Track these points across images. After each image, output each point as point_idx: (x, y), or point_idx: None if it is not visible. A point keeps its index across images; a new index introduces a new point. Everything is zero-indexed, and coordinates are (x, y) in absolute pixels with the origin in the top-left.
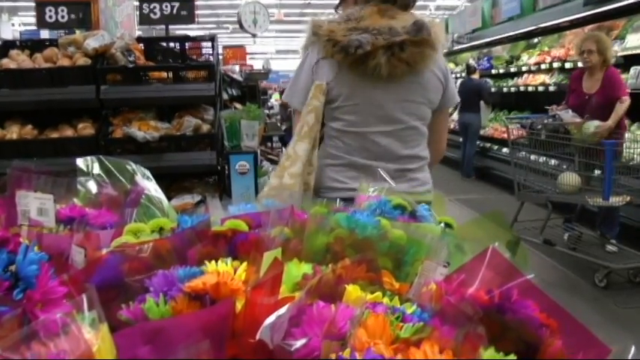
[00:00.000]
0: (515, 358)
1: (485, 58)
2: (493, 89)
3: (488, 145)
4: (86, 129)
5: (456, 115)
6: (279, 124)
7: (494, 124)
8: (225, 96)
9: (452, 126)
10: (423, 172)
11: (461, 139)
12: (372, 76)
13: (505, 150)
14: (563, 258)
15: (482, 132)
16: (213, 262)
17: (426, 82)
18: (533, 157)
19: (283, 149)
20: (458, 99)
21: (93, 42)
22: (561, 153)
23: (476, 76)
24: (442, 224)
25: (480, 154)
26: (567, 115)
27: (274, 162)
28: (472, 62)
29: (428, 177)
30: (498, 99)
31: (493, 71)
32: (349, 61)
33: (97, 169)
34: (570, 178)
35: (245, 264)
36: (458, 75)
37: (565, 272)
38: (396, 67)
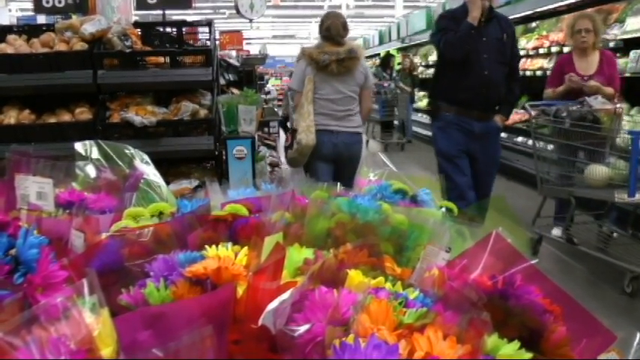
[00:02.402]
0: (518, 344)
1: None
2: None
3: None
4: (83, 114)
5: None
6: (276, 109)
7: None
8: (222, 81)
9: None
10: (356, 117)
11: None
12: (330, 73)
13: (519, 139)
14: (587, 259)
15: None
16: (213, 246)
17: (356, 75)
18: (550, 146)
19: (282, 134)
20: (373, 81)
21: (90, 27)
22: (587, 143)
23: None
24: (443, 209)
25: None
26: (597, 102)
27: (272, 147)
28: None
29: (360, 121)
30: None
31: None
32: (320, 68)
33: (95, 153)
34: (598, 172)
35: (246, 249)
36: None
37: (587, 275)
38: (341, 69)
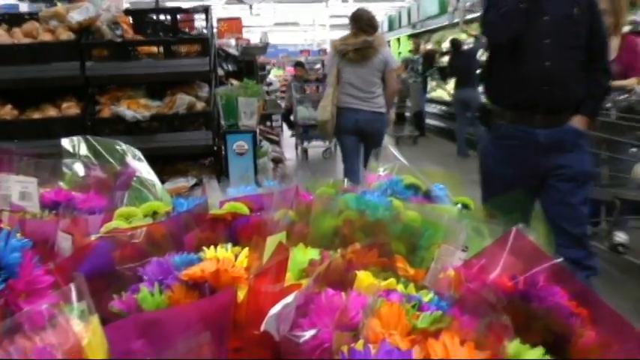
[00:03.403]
0: (543, 350)
1: None
2: None
3: None
4: (71, 108)
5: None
6: (279, 102)
7: None
8: (220, 72)
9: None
10: (378, 98)
11: (457, 118)
12: (350, 60)
13: None
14: (634, 270)
15: None
16: (212, 247)
17: (374, 62)
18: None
19: (284, 127)
20: (396, 64)
21: (77, 15)
22: (636, 138)
23: (466, 47)
24: (459, 205)
25: None
26: None
27: (274, 142)
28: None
29: (382, 101)
30: None
31: None
32: (341, 56)
33: (84, 149)
34: None
35: (247, 250)
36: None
37: (634, 287)
38: (358, 57)
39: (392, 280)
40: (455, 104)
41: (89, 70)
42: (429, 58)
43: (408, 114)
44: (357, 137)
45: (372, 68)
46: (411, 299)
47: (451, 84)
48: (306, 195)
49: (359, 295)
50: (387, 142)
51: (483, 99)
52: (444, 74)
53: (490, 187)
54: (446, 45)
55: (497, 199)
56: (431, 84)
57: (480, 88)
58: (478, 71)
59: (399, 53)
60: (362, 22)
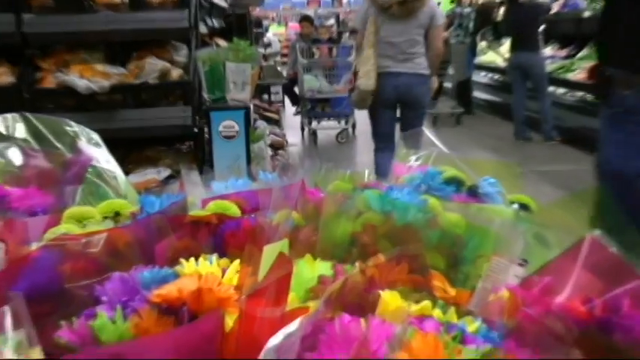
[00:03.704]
0: None
1: None
2: (587, 13)
3: (578, 94)
4: (2, 76)
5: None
6: (279, 68)
7: (586, 64)
8: (203, 29)
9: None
10: (421, 58)
11: (514, 89)
12: (392, 15)
13: None
14: None
15: (571, 76)
16: (192, 260)
17: (420, 17)
18: None
19: (287, 102)
20: (443, 19)
21: None
22: None
23: None
24: (515, 205)
25: (566, 107)
26: None
27: (273, 121)
28: None
29: (425, 62)
30: (595, 27)
31: None
32: (381, 10)
33: (21, 131)
34: None
35: (237, 262)
36: None
37: None
38: (402, 12)
39: (426, 303)
40: (510, 71)
41: (27, 25)
42: (486, 13)
43: (448, 84)
44: (394, 109)
45: (416, 25)
46: (452, 329)
47: (506, 45)
48: (314, 192)
49: (383, 323)
50: None
51: (548, 65)
52: (497, 32)
53: (610, 186)
54: None
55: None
56: (480, 45)
57: (547, 50)
58: (542, 27)
59: (438, 3)
60: None
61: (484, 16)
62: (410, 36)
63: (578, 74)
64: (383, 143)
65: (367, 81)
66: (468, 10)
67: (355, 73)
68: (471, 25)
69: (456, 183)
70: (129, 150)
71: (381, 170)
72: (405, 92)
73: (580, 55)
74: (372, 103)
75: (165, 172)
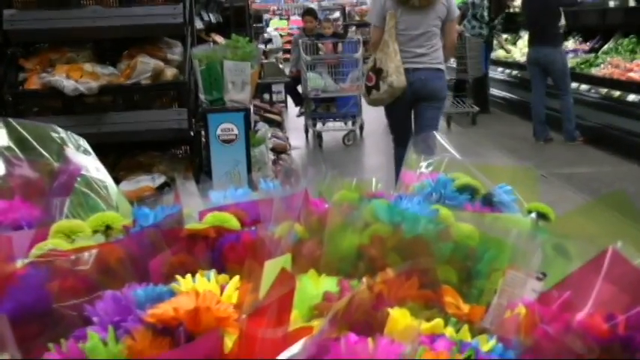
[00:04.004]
0: None
1: None
2: (612, 3)
3: (603, 91)
4: None
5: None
6: (281, 66)
7: (612, 58)
8: (198, 24)
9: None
10: (437, 52)
11: (533, 86)
12: (412, 7)
13: (634, 97)
14: None
15: (595, 71)
16: (188, 276)
17: (437, 8)
18: None
19: (289, 102)
20: (457, 12)
21: None
22: None
23: None
24: (533, 214)
25: (590, 105)
26: None
27: (275, 123)
28: None
29: (441, 56)
30: (620, 19)
31: None
32: (400, 1)
33: (3, 138)
34: None
35: (237, 279)
36: None
37: None
38: (423, 2)
39: (438, 320)
40: (529, 67)
41: (9, 21)
42: (500, 1)
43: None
44: (410, 104)
45: (434, 16)
46: (465, 347)
47: (526, 39)
48: (319, 202)
49: (392, 343)
50: None
51: (570, 60)
52: (514, 24)
53: None
54: None
55: None
56: (497, 39)
57: (569, 44)
58: (562, 20)
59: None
60: None
61: (498, 4)
62: (428, 28)
63: (603, 69)
64: (401, 138)
65: (399, 77)
66: None
67: (379, 70)
68: (486, 14)
69: (469, 191)
70: (120, 156)
71: (401, 165)
72: (419, 88)
73: (605, 48)
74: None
75: (160, 179)
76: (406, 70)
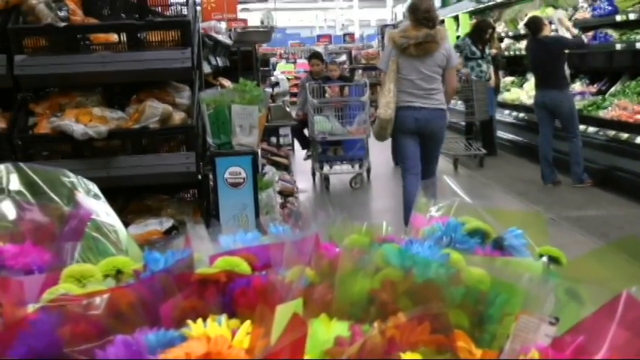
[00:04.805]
0: None
1: None
2: (618, 45)
3: (610, 133)
4: None
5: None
6: (288, 108)
7: (619, 101)
8: (206, 68)
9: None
10: (438, 95)
11: (540, 129)
12: (410, 55)
13: None
14: None
15: (602, 113)
16: (199, 321)
17: (436, 57)
18: None
19: (296, 145)
20: (457, 61)
21: None
22: None
23: (546, 32)
24: (544, 258)
25: (598, 147)
26: None
27: (283, 167)
28: (571, 11)
29: (442, 98)
30: (627, 61)
31: (618, 17)
32: (401, 50)
33: (14, 182)
34: None
35: (248, 323)
36: (554, 27)
37: None
38: (419, 52)
39: None
40: (536, 110)
41: (19, 66)
42: (479, 31)
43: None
44: (417, 137)
45: (433, 64)
46: None
47: (532, 82)
48: (329, 246)
49: None
50: (442, 167)
51: (577, 102)
52: (520, 66)
53: None
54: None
55: None
56: (504, 81)
57: (576, 86)
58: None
59: (457, 37)
60: (418, 14)
61: (478, 34)
62: (427, 74)
63: (611, 111)
64: (410, 166)
65: (386, 110)
66: (458, 34)
67: (375, 107)
68: (474, 49)
69: (479, 235)
70: (128, 199)
71: (409, 192)
72: (424, 125)
73: (612, 90)
74: (395, 132)
75: (168, 223)
76: (412, 108)
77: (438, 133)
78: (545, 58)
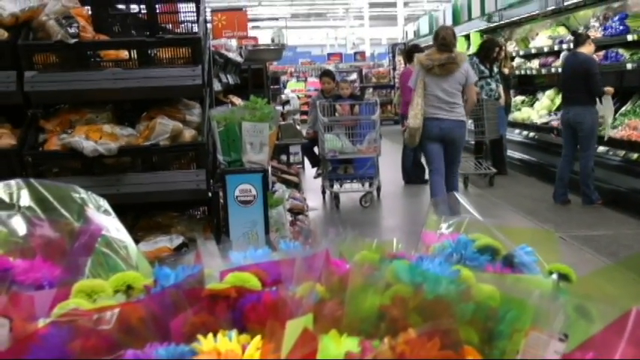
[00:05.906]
0: None
1: (617, 17)
2: (629, 65)
3: (621, 153)
4: (3, 138)
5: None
6: (298, 126)
7: (630, 120)
8: (217, 86)
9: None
10: (460, 108)
11: (563, 148)
12: (435, 75)
13: None
14: None
15: (612, 133)
16: (210, 336)
17: (456, 76)
18: None
19: (306, 163)
20: (474, 79)
21: (11, 5)
22: None
23: (586, 49)
24: (554, 275)
25: (608, 167)
26: None
27: (293, 185)
28: (583, 29)
29: (463, 112)
30: (638, 80)
31: (629, 37)
32: (426, 70)
33: (25, 198)
34: None
35: (258, 339)
36: (566, 46)
37: None
38: (442, 72)
39: None
40: (562, 129)
41: (30, 83)
42: (486, 50)
43: (472, 142)
44: (440, 144)
45: (454, 82)
46: None
47: (543, 101)
48: (339, 263)
49: None
50: None
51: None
52: (531, 86)
53: None
54: (536, 44)
55: None
56: (515, 100)
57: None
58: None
59: (469, 55)
60: (437, 40)
61: (485, 53)
62: (450, 90)
63: (621, 131)
64: (435, 168)
65: (415, 121)
66: (468, 52)
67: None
68: (483, 67)
69: (489, 252)
70: (138, 216)
71: (435, 189)
72: (447, 133)
73: (622, 110)
74: (422, 139)
75: (178, 240)
76: (437, 119)
77: (458, 140)
78: (574, 72)
